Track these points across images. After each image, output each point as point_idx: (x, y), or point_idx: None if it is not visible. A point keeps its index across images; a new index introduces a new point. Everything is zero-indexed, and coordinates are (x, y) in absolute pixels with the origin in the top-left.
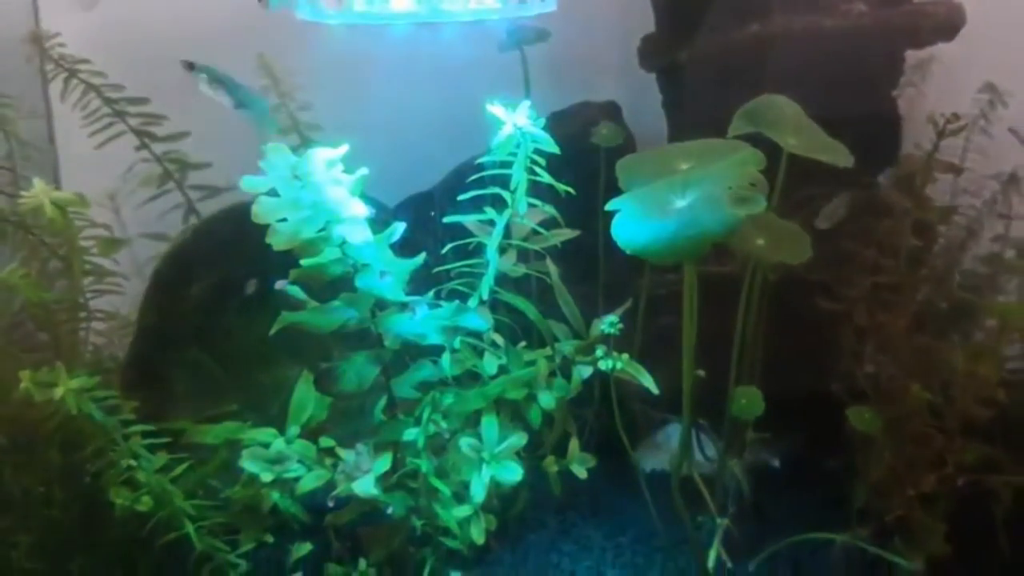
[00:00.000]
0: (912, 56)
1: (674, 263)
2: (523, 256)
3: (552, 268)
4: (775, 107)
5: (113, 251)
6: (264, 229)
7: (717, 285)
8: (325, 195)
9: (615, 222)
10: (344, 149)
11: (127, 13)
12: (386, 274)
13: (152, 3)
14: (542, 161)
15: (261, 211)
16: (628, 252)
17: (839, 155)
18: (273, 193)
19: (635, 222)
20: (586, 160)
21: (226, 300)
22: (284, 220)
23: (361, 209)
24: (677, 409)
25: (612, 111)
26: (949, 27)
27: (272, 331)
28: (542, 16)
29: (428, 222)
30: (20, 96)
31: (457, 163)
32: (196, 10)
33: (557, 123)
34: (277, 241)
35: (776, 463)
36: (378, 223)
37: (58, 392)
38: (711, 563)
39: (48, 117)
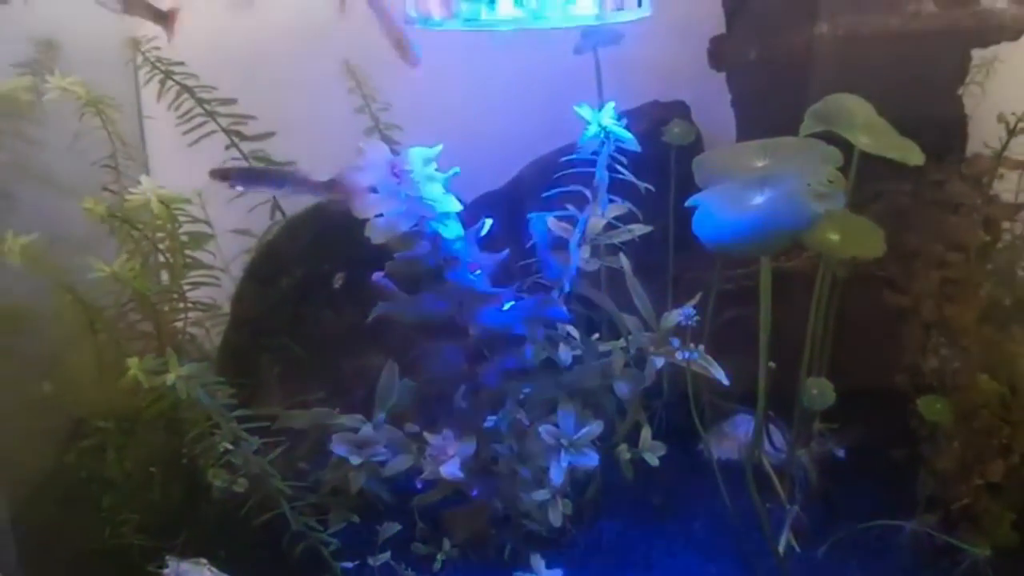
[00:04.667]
0: (977, 55)
1: (749, 258)
2: (595, 250)
3: (625, 262)
4: (846, 106)
5: (201, 245)
6: (350, 226)
7: (783, 280)
8: (421, 191)
9: (696, 217)
10: (439, 148)
11: (215, 19)
12: (475, 267)
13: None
14: (623, 159)
15: (360, 206)
16: (709, 246)
17: (910, 153)
18: (371, 189)
19: (715, 217)
20: (655, 158)
21: (314, 292)
22: (380, 215)
23: (454, 205)
24: (745, 400)
25: (681, 110)
26: (1015, 28)
27: (368, 319)
28: None
29: (505, 218)
30: (117, 98)
31: (529, 161)
32: (287, 10)
33: (627, 122)
34: (374, 235)
35: (842, 453)
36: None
37: (170, 378)
38: (781, 548)
39: (140, 117)
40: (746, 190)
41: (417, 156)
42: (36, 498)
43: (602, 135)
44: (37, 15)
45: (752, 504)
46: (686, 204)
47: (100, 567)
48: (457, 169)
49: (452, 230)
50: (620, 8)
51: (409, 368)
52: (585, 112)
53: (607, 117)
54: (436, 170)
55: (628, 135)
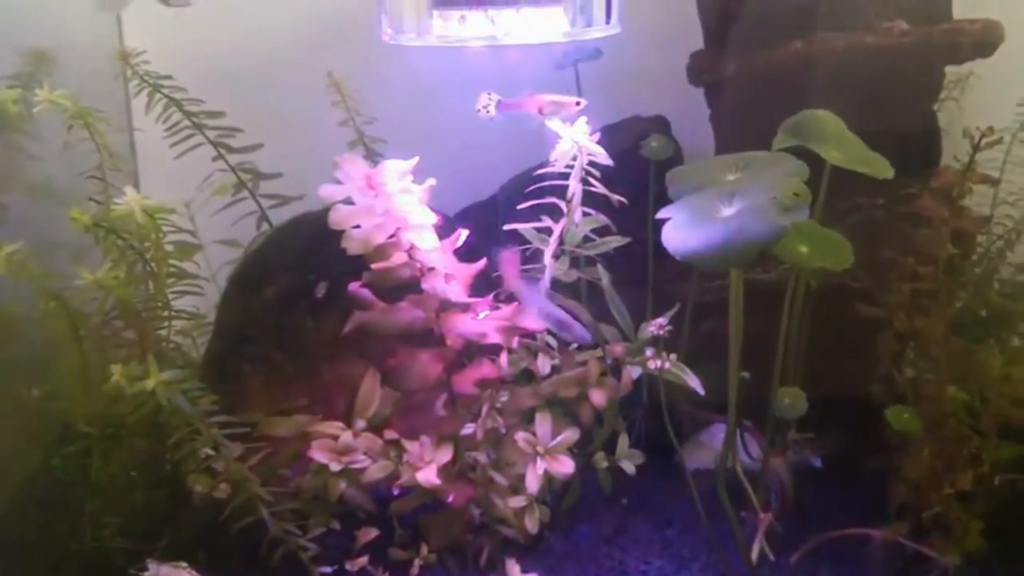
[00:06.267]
0: (951, 71)
1: (717, 269)
2: (575, 261)
3: (603, 273)
4: (818, 121)
5: (189, 255)
6: (333, 236)
7: (761, 291)
8: (396, 203)
9: (665, 229)
10: (415, 161)
11: (204, 33)
12: (451, 277)
13: (228, 22)
14: (596, 172)
15: (337, 218)
16: (678, 258)
17: (880, 167)
18: (348, 201)
19: (685, 229)
20: (636, 172)
21: (298, 302)
22: (358, 227)
23: (429, 217)
24: (722, 410)
25: (661, 125)
26: (987, 44)
27: (345, 330)
28: None
29: (485, 230)
30: (107, 110)
31: (511, 175)
32: (274, 27)
33: (608, 137)
34: (351, 246)
35: (818, 462)
36: (440, 230)
37: (149, 384)
38: (754, 556)
39: (130, 129)
40: (715, 203)
41: (392, 168)
42: (20, 501)
43: (575, 148)
44: (29, 27)
45: (726, 512)
46: (657, 216)
47: (82, 570)
48: (432, 181)
49: (427, 241)
50: (589, 25)
51: (390, 376)
52: (557, 126)
53: (579, 131)
54: (412, 182)
55: (599, 148)
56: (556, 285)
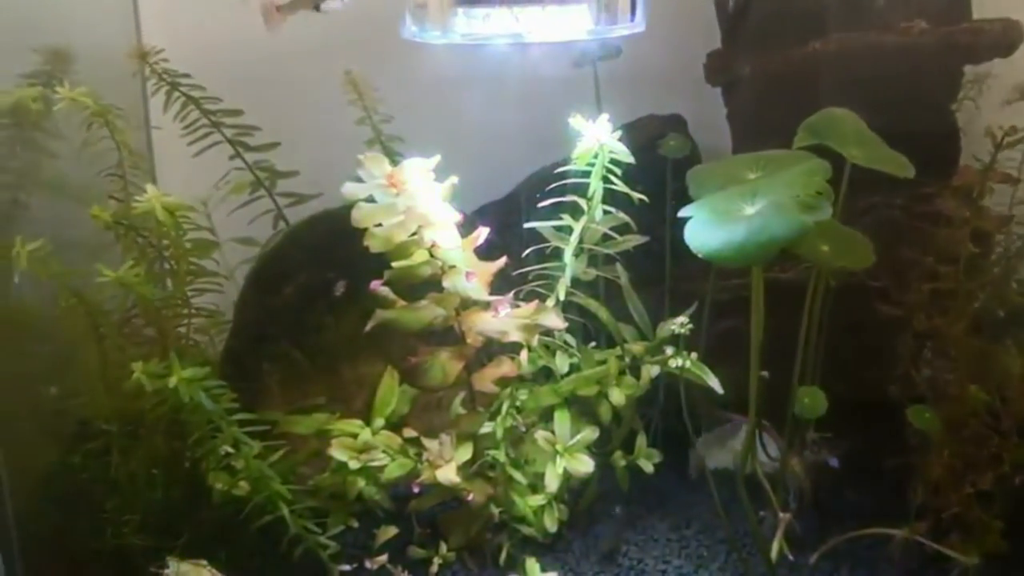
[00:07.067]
0: (970, 71)
1: (742, 267)
2: (592, 259)
3: (622, 272)
4: (837, 120)
5: (209, 253)
6: (352, 234)
7: (780, 290)
8: (418, 201)
9: (687, 228)
10: (436, 159)
11: (222, 29)
12: (472, 275)
13: (245, 19)
14: (617, 170)
15: (359, 216)
16: (700, 256)
17: (900, 166)
18: (370, 199)
19: (706, 228)
20: (652, 170)
21: (316, 300)
22: (379, 225)
23: (451, 214)
24: (740, 409)
25: (678, 124)
26: (1006, 43)
27: (367, 328)
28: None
29: (503, 228)
30: (124, 107)
31: (529, 173)
32: (292, 23)
33: (625, 135)
34: (374, 244)
35: (835, 462)
36: (460, 228)
37: (172, 381)
38: (773, 556)
39: (147, 127)
40: (737, 201)
41: (414, 166)
42: (39, 499)
43: (597, 147)
44: (47, 25)
45: (744, 512)
46: (679, 215)
47: (102, 567)
48: (455, 179)
49: (449, 239)
50: (614, 23)
51: (410, 374)
52: (579, 124)
53: (602, 128)
54: (434, 180)
55: (621, 147)
56: (575, 283)
